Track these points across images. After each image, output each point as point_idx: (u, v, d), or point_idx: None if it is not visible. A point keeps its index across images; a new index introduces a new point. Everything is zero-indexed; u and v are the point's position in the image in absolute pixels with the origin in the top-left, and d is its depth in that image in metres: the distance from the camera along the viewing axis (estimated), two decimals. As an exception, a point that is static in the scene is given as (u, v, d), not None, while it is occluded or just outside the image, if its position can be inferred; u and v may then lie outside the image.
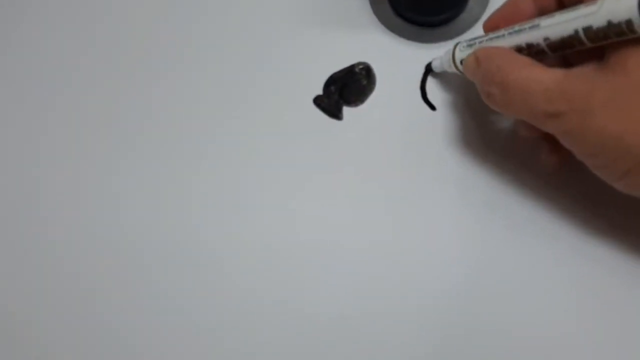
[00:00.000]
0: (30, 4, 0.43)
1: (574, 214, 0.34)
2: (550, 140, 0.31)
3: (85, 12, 0.43)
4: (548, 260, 0.34)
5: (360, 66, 0.39)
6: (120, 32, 0.42)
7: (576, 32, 0.26)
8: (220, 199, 0.38)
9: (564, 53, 0.28)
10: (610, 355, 0.33)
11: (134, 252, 0.38)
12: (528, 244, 0.35)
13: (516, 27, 0.29)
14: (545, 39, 0.28)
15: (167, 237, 0.38)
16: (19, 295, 0.38)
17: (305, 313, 0.36)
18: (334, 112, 0.38)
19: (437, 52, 0.37)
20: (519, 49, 0.29)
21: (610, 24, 0.24)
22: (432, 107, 0.38)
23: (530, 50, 0.29)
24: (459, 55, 0.33)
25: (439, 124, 0.37)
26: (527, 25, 0.28)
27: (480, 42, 0.31)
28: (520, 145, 0.35)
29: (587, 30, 0.25)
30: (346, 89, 0.39)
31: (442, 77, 0.38)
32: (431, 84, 0.38)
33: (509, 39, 0.30)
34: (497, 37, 0.30)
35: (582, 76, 0.26)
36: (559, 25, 0.27)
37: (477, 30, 0.38)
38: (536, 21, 0.28)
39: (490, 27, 0.32)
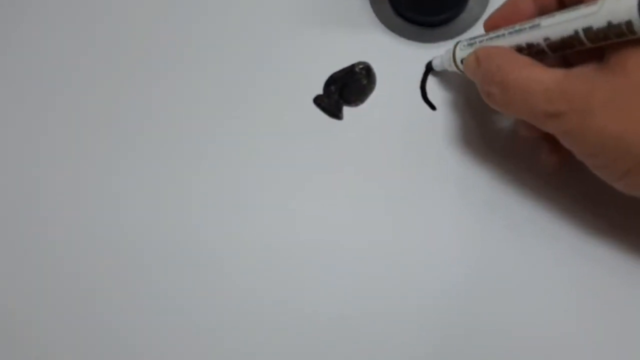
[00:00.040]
0: (30, 4, 0.43)
1: (574, 214, 0.34)
2: (550, 140, 0.31)
3: (85, 12, 0.43)
4: (548, 260, 0.34)
5: (361, 66, 0.39)
6: (120, 32, 0.42)
7: (576, 32, 0.26)
8: (220, 199, 0.38)
9: (564, 53, 0.28)
10: (610, 355, 0.33)
11: (134, 252, 0.38)
12: (528, 244, 0.35)
13: (516, 27, 0.29)
14: (546, 39, 0.28)
15: (167, 237, 0.38)
16: (19, 295, 0.38)
17: (305, 313, 0.36)
18: (334, 112, 0.38)
19: (437, 52, 0.37)
20: (520, 49, 0.29)
21: (610, 25, 0.24)
22: (432, 107, 0.38)
23: (531, 50, 0.29)
24: (460, 54, 0.33)
25: (439, 123, 0.37)
26: (527, 25, 0.28)
27: (481, 42, 0.31)
28: (520, 145, 0.35)
29: (587, 30, 0.25)
30: (346, 88, 0.39)
31: (442, 76, 0.38)
32: (431, 83, 0.38)
33: (509, 39, 0.29)
34: (498, 36, 0.30)
35: (582, 76, 0.26)
36: (559, 25, 0.27)
37: (477, 30, 0.38)
38: (536, 21, 0.28)
39: (491, 26, 0.32)
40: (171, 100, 0.40)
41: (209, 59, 0.40)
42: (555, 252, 0.34)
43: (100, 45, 0.42)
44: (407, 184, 0.37)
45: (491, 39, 0.31)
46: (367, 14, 0.40)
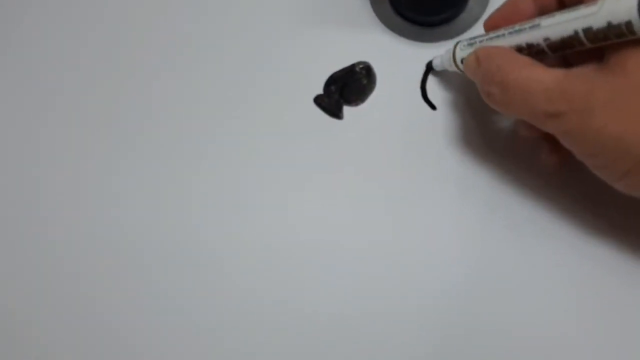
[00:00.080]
0: (30, 4, 0.43)
1: (574, 214, 0.34)
2: (550, 140, 0.31)
3: (85, 12, 0.43)
4: (548, 260, 0.34)
5: (361, 65, 0.39)
6: (120, 32, 0.42)
7: (576, 32, 0.26)
8: (220, 199, 0.38)
9: (564, 53, 0.28)
10: (610, 355, 0.33)
11: (134, 252, 0.38)
12: (528, 244, 0.35)
13: (516, 27, 0.29)
14: (546, 39, 0.28)
15: (167, 237, 0.38)
16: (19, 295, 0.38)
17: (305, 313, 0.36)
18: (335, 112, 0.38)
19: (437, 52, 0.37)
20: (520, 49, 0.29)
21: (610, 25, 0.24)
22: (433, 107, 0.38)
23: (531, 50, 0.29)
24: (460, 54, 0.33)
25: (439, 123, 0.37)
26: (527, 25, 0.28)
27: (481, 41, 0.31)
28: (520, 145, 0.35)
29: (587, 31, 0.25)
30: (346, 88, 0.39)
31: (442, 76, 0.38)
32: (431, 83, 0.38)
33: (509, 39, 0.29)
34: (498, 36, 0.30)
35: (582, 76, 0.26)
36: (559, 25, 0.27)
37: (477, 30, 0.38)
38: (536, 21, 0.28)
39: (491, 26, 0.32)
40: (171, 100, 0.40)
41: (209, 59, 0.40)
42: (555, 252, 0.34)
43: (100, 45, 0.42)
44: (407, 184, 0.37)
45: (491, 39, 0.31)
46: (367, 14, 0.40)
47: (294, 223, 0.37)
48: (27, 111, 0.41)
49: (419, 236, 0.36)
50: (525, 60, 0.28)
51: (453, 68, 0.34)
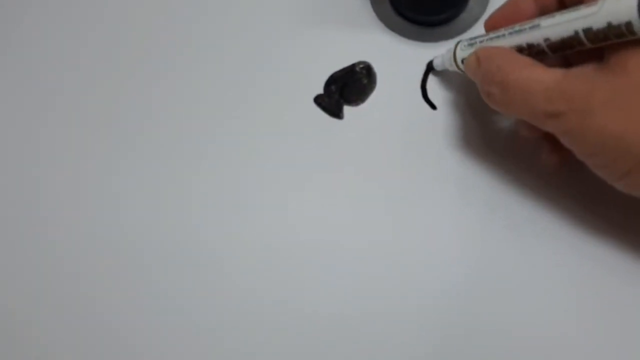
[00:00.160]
0: (30, 4, 0.43)
1: (574, 214, 0.34)
2: (550, 140, 0.31)
3: (85, 12, 0.43)
4: (548, 260, 0.34)
5: (361, 65, 0.39)
6: (120, 31, 0.42)
7: (576, 32, 0.26)
8: (220, 199, 0.38)
9: (565, 53, 0.28)
10: (610, 355, 0.33)
11: (134, 252, 0.38)
12: (528, 244, 0.35)
13: (517, 27, 0.29)
14: (546, 40, 0.28)
15: (167, 237, 0.38)
16: (19, 295, 0.38)
17: (305, 313, 0.36)
18: (335, 112, 0.38)
19: (438, 52, 0.37)
20: (520, 49, 0.29)
21: (610, 26, 0.24)
22: (433, 107, 0.38)
23: (531, 51, 0.29)
24: (460, 54, 0.33)
25: (439, 123, 0.37)
26: (527, 25, 0.28)
27: (482, 42, 0.31)
28: (520, 145, 0.35)
29: (587, 31, 0.25)
30: (347, 88, 0.39)
31: (442, 76, 0.38)
32: (432, 83, 0.38)
33: (509, 39, 0.29)
34: (498, 36, 0.30)
35: (582, 76, 0.26)
36: (559, 25, 0.27)
37: (477, 30, 0.38)
38: (537, 21, 0.28)
39: (491, 26, 0.32)
40: (171, 100, 0.40)
41: (209, 59, 0.40)
42: (555, 252, 0.34)
43: (100, 45, 0.42)
44: (407, 184, 0.37)
45: (492, 39, 0.31)
46: (367, 14, 0.40)
47: (294, 223, 0.37)
48: (27, 111, 0.41)
49: (419, 236, 0.36)
50: (525, 60, 0.28)
51: (454, 68, 0.34)
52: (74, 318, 0.37)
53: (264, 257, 0.37)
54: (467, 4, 0.38)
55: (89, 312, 0.37)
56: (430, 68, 0.38)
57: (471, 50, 0.32)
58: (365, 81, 0.38)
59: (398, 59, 0.38)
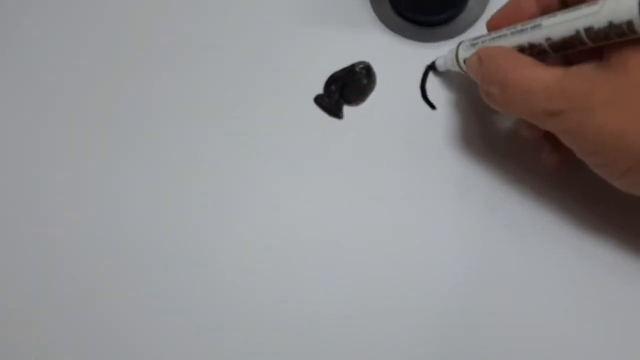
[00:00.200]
0: (30, 4, 0.43)
1: (574, 214, 0.34)
2: (551, 139, 0.31)
3: (84, 12, 0.43)
4: (548, 260, 0.34)
5: (361, 65, 0.39)
6: (119, 31, 0.42)
7: (577, 32, 0.26)
8: (220, 199, 0.38)
9: (566, 53, 0.28)
10: (610, 355, 0.33)
11: (134, 252, 0.38)
12: (528, 244, 0.35)
13: (518, 27, 0.29)
14: (547, 39, 0.28)
15: (167, 237, 0.38)
16: (19, 295, 0.38)
17: (305, 313, 0.36)
18: (335, 111, 0.38)
19: (438, 52, 0.37)
20: (522, 49, 0.29)
21: (611, 25, 0.24)
22: (432, 107, 0.38)
23: (533, 50, 0.29)
24: (462, 55, 0.33)
25: (439, 123, 0.37)
26: (529, 25, 0.28)
27: (484, 42, 0.31)
28: (520, 145, 0.35)
29: (589, 30, 0.25)
30: (347, 88, 0.39)
31: (442, 76, 0.38)
32: (432, 83, 0.38)
33: (511, 39, 0.29)
34: (500, 36, 0.30)
35: (583, 75, 0.26)
36: (560, 25, 0.27)
37: (477, 30, 0.38)
38: (538, 21, 0.28)
39: (493, 26, 0.32)
40: (171, 100, 0.40)
41: (209, 59, 0.40)
42: (555, 252, 0.34)
43: (99, 45, 0.42)
44: (407, 184, 0.37)
45: (493, 39, 0.31)
46: (367, 14, 0.40)
47: (294, 223, 0.37)
48: (27, 111, 0.41)
49: (419, 236, 0.36)
50: (526, 59, 0.28)
51: (456, 68, 0.34)
52: (74, 318, 0.37)
53: (264, 257, 0.37)
54: (466, 4, 0.38)
55: (89, 312, 0.37)
56: (429, 69, 0.38)
57: (473, 50, 0.32)
58: (365, 81, 0.38)
59: (398, 59, 0.39)
